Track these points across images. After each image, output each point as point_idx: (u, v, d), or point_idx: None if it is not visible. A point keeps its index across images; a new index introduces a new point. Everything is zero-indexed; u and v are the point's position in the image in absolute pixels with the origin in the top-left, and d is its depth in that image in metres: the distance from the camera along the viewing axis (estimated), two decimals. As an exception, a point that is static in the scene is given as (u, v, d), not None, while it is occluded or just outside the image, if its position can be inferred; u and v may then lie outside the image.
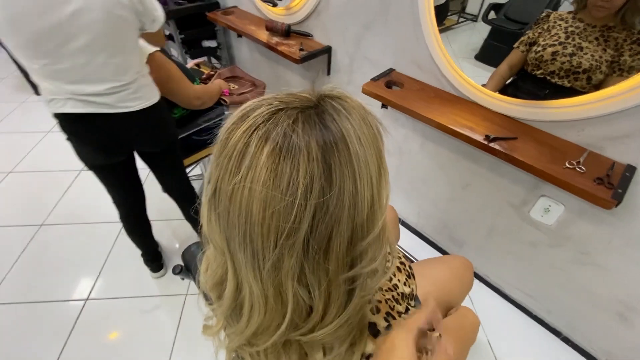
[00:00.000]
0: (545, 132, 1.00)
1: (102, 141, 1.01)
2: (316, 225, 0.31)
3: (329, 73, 1.58)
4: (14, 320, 1.34)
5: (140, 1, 0.87)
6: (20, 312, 1.36)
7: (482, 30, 1.22)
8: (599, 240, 1.01)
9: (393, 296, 0.52)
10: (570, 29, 1.01)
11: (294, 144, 0.30)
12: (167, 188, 1.34)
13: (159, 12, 0.96)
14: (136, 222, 1.33)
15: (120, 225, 1.31)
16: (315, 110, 0.33)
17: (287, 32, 1.56)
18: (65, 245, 1.62)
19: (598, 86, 0.94)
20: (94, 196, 1.63)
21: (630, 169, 0.86)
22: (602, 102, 0.86)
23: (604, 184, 0.84)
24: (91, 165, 1.09)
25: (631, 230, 0.92)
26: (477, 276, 1.45)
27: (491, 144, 0.97)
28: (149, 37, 1.05)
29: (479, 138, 0.99)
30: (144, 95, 0.99)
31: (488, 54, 1.20)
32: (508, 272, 1.34)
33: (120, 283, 1.46)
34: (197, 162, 1.55)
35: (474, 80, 1.10)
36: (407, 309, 0.52)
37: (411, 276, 0.63)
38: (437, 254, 1.57)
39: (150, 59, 1.13)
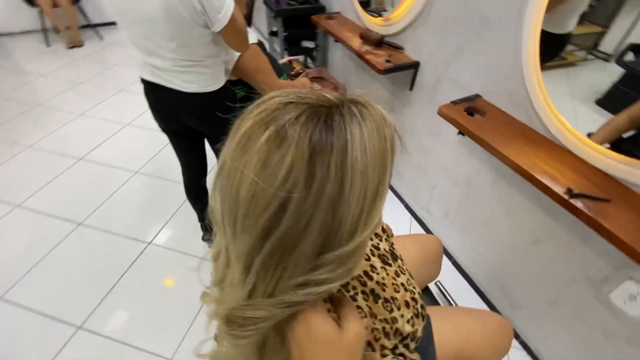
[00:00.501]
0: (652, 202, 0.80)
1: (160, 108, 1.18)
2: (288, 219, 0.30)
3: (411, 89, 1.53)
4: (94, 244, 1.62)
5: (199, 0, 0.92)
6: (102, 238, 1.64)
7: (612, 73, 1.04)
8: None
9: (384, 328, 0.48)
10: None
11: (288, 135, 0.30)
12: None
13: (222, 14, 0.97)
14: (193, 188, 1.47)
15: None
16: (327, 111, 0.32)
17: (379, 43, 1.56)
18: (148, 193, 1.90)
19: None
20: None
21: None
22: None
23: None
24: (159, 127, 1.26)
25: None
26: (525, 347, 1.25)
27: (572, 200, 0.82)
28: (226, 37, 1.06)
29: (559, 190, 0.85)
30: (199, 82, 1.09)
31: (613, 101, 1.02)
32: (565, 355, 1.12)
33: (178, 238, 1.65)
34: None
35: (584, 126, 0.95)
36: (395, 347, 0.47)
37: (420, 316, 0.58)
38: (483, 306, 1.40)
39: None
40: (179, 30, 0.98)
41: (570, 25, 1.06)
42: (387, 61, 1.44)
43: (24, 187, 1.89)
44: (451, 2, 1.21)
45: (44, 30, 3.54)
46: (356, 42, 1.64)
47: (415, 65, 1.45)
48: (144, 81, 1.14)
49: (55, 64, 3.25)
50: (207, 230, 1.59)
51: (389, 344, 0.45)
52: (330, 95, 0.35)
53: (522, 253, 1.19)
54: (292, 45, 2.21)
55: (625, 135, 0.95)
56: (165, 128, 1.27)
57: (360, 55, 1.56)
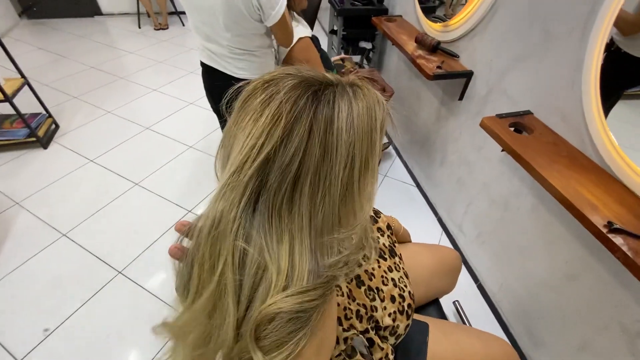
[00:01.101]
0: None
1: (212, 89, 1.29)
2: (273, 175, 0.33)
3: (460, 98, 1.47)
4: (144, 204, 1.81)
5: None
6: (151, 199, 1.83)
7: None
8: None
9: (358, 311, 0.49)
10: None
11: (277, 97, 0.33)
12: None
13: (275, 11, 1.04)
14: None
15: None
16: (320, 86, 0.35)
17: (434, 48, 1.52)
18: (197, 167, 2.07)
19: None
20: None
21: None
22: None
23: None
24: (211, 107, 1.37)
25: None
26: (542, 390, 1.14)
27: (610, 235, 0.74)
28: (275, 32, 1.15)
29: (597, 221, 0.77)
30: (248, 69, 1.17)
31: None
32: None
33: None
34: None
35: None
36: (366, 331, 0.48)
37: (405, 314, 0.58)
38: (502, 335, 1.30)
39: (298, 41, 1.31)
40: (235, 22, 1.07)
41: None
42: (438, 67, 1.40)
43: (99, 145, 2.18)
44: (513, 13, 1.15)
45: (138, 14, 4.01)
46: (410, 46, 1.62)
47: (467, 75, 1.40)
48: (202, 64, 1.26)
49: (142, 43, 3.67)
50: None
51: (359, 326, 0.47)
52: (330, 75, 0.38)
53: (555, 288, 1.09)
54: (349, 45, 2.25)
55: None
56: (215, 108, 1.39)
57: (412, 60, 1.54)
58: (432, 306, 0.98)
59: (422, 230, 1.75)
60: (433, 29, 1.64)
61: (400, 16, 1.95)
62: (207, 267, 0.33)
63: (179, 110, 2.56)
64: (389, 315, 0.54)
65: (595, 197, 0.83)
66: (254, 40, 1.16)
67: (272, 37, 1.23)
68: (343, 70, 1.76)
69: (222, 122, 1.45)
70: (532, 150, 0.98)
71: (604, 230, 0.76)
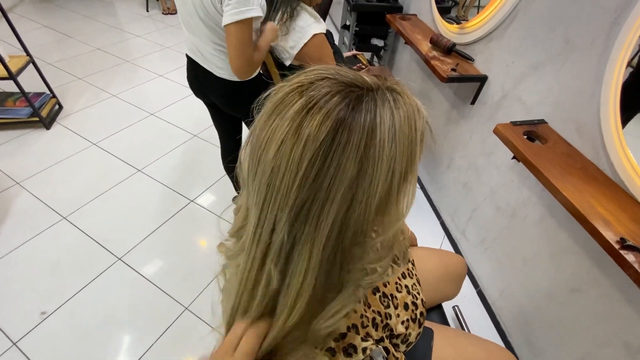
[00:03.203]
0: None
1: (194, 83, 1.27)
2: (310, 189, 0.31)
3: (473, 102, 1.46)
4: (146, 191, 1.80)
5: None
6: (154, 187, 1.82)
7: None
8: None
9: (374, 319, 0.48)
10: None
11: (317, 107, 0.31)
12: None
13: (230, 9, 0.92)
14: (226, 158, 1.55)
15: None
16: (360, 92, 0.33)
17: (449, 50, 1.50)
18: (201, 156, 2.06)
19: None
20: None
21: None
22: None
23: None
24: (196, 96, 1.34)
25: None
26: (538, 399, 1.15)
27: (623, 251, 0.74)
28: (227, 38, 0.99)
29: (610, 237, 0.77)
30: (228, 69, 1.11)
31: None
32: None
33: (218, 202, 1.77)
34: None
35: None
36: (381, 339, 0.47)
37: (417, 322, 0.57)
38: (500, 342, 1.30)
39: (312, 38, 1.28)
40: (208, 17, 1.03)
41: None
42: (453, 70, 1.39)
43: (103, 129, 2.16)
44: (533, 19, 1.12)
45: (147, -3, 3.96)
46: (425, 47, 1.59)
47: (482, 79, 1.38)
48: (186, 56, 1.23)
49: (150, 27, 3.62)
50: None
51: (375, 334, 0.46)
52: (368, 78, 0.36)
53: (558, 300, 1.09)
54: (361, 41, 2.22)
55: None
56: (201, 100, 1.37)
57: (426, 60, 1.52)
58: (435, 311, 0.98)
59: (424, 233, 1.74)
60: (448, 30, 1.62)
61: (415, 15, 1.92)
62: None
63: (184, 98, 2.53)
64: (402, 323, 0.54)
65: (609, 212, 0.82)
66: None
67: (259, 35, 1.13)
68: (355, 67, 1.73)
69: (212, 113, 1.42)
70: (545, 161, 0.97)
71: (617, 247, 0.75)
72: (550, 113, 1.09)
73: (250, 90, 1.23)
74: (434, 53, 1.53)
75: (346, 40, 2.29)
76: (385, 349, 0.46)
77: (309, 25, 1.28)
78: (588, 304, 0.98)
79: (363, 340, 0.41)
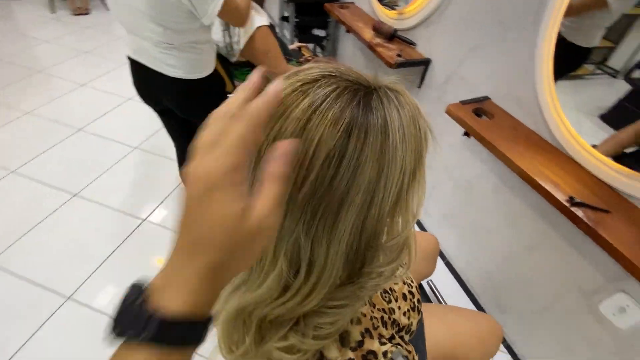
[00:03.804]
0: (651, 216, 0.81)
1: (142, 88, 1.15)
2: (323, 193, 0.30)
3: (420, 86, 1.52)
4: (89, 216, 1.60)
5: None
6: (97, 211, 1.62)
7: (619, 89, 1.03)
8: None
9: (382, 317, 0.48)
10: None
11: (326, 107, 0.30)
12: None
13: (211, 8, 0.91)
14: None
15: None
16: (366, 90, 0.32)
17: (391, 36, 1.54)
18: (146, 170, 1.88)
19: None
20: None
21: None
22: None
23: None
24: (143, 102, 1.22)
25: None
26: (510, 351, 1.26)
27: (573, 209, 0.82)
28: (224, 18, 1.04)
29: (561, 197, 0.85)
30: (184, 67, 1.03)
31: (617, 117, 1.02)
32: (548, 357, 1.14)
33: (175, 217, 1.64)
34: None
35: (586, 139, 0.94)
36: (392, 337, 0.47)
37: (416, 310, 0.58)
38: (472, 307, 1.41)
39: (256, 31, 1.22)
40: (161, 13, 0.93)
41: (596, 39, 1.05)
42: (399, 55, 1.42)
43: (20, 153, 1.87)
44: (468, 3, 1.19)
45: (50, -4, 3.47)
46: (368, 34, 1.61)
47: (426, 62, 1.44)
48: (129, 58, 1.09)
49: (59, 30, 3.19)
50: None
51: (386, 333, 0.45)
52: (367, 76, 0.35)
53: (518, 259, 1.20)
54: (302, 33, 2.18)
55: (627, 151, 0.95)
56: (151, 107, 1.25)
57: (371, 47, 1.54)
58: (417, 291, 1.01)
59: (389, 215, 1.80)
60: (388, 17, 1.65)
61: (353, 3, 1.93)
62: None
63: (116, 107, 2.29)
64: (404, 314, 0.54)
65: (556, 175, 0.91)
66: (185, 36, 1.00)
67: (212, 29, 1.09)
68: (301, 59, 1.70)
69: (164, 120, 1.30)
70: (495, 134, 1.04)
71: (567, 205, 0.83)
72: (493, 90, 1.17)
73: (207, 88, 1.14)
74: (378, 40, 1.56)
75: (286, 33, 2.24)
76: (398, 344, 0.45)
77: (251, 18, 1.22)
78: (544, 259, 1.09)
79: (381, 344, 0.40)
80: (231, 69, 1.31)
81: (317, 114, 0.29)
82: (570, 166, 0.94)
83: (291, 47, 1.76)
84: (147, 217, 1.62)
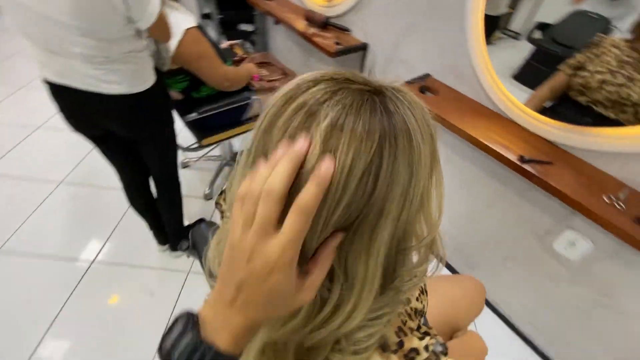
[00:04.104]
0: (584, 161, 0.93)
1: (73, 114, 0.98)
2: (360, 210, 0.29)
3: (361, 71, 1.54)
4: (22, 272, 1.37)
5: None
6: (31, 264, 1.39)
7: (523, 50, 1.15)
8: (627, 285, 0.94)
9: (406, 310, 0.48)
10: (623, 57, 0.95)
11: (352, 122, 0.28)
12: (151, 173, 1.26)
13: (150, 11, 0.83)
14: (136, 195, 1.30)
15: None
16: (380, 95, 0.31)
17: (324, 24, 1.53)
18: (80, 205, 1.65)
19: None
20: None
21: (676, 214, 0.79)
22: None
23: (644, 226, 0.78)
24: (76, 131, 1.04)
25: (665, 280, 0.85)
26: (485, 302, 1.39)
27: (524, 166, 0.91)
28: (154, 33, 0.93)
29: (513, 158, 0.94)
30: (124, 82, 0.90)
31: (527, 75, 1.14)
32: (520, 303, 1.28)
33: (127, 251, 1.48)
34: (217, 143, 1.55)
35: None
36: (418, 327, 0.48)
37: (424, 292, 0.60)
38: (446, 272, 1.52)
39: (185, 34, 1.12)
40: (94, 25, 0.80)
41: (503, 7, 1.16)
42: (337, 43, 1.42)
43: None
44: (396, -17, 1.23)
45: None
46: (300, 24, 1.58)
47: (363, 47, 1.46)
48: (48, 83, 0.91)
49: None
50: (166, 240, 1.44)
51: (413, 325, 0.46)
52: (368, 77, 0.33)
53: (478, 219, 1.31)
54: (228, 29, 2.07)
55: (546, 105, 1.08)
56: (86, 135, 1.08)
57: (307, 38, 1.51)
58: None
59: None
60: (317, 5, 1.64)
61: (277, -7, 1.88)
62: None
63: (24, 140, 1.95)
64: (417, 299, 0.55)
65: (503, 138, 1.00)
66: (122, 45, 0.87)
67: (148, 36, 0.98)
68: (236, 58, 1.61)
69: (103, 147, 1.13)
70: (443, 109, 1.10)
71: (519, 163, 0.92)
72: (433, 67, 1.23)
73: (153, 100, 1.02)
74: (312, 30, 1.54)
75: (211, 32, 2.10)
76: (426, 332, 0.46)
77: (177, 21, 1.11)
78: (500, 214, 1.21)
79: (419, 339, 0.40)
80: (164, 78, 1.19)
81: (345, 131, 0.27)
82: (512, 128, 1.04)
83: (222, 46, 1.66)
84: (95, 258, 1.43)
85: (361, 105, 0.29)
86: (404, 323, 0.45)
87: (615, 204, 0.82)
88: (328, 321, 0.34)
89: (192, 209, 1.66)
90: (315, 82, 0.32)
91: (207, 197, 1.74)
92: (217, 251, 0.45)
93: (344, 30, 1.52)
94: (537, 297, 1.20)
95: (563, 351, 1.20)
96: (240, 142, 2.02)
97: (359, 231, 0.30)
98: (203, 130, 1.47)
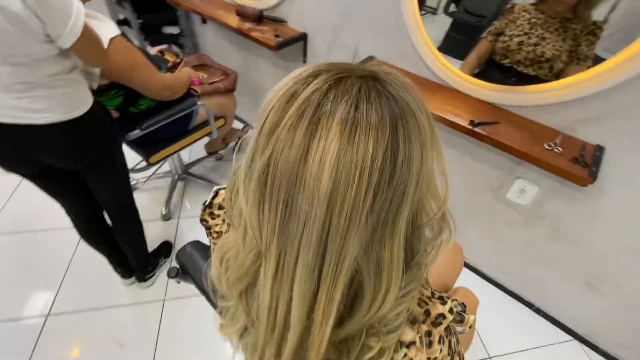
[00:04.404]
0: (522, 116, 1.04)
1: (2, 153, 0.86)
2: (384, 200, 0.29)
3: (304, 61, 1.53)
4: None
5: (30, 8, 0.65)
6: (-36, 336, 1.18)
7: (443, 23, 1.24)
8: (570, 217, 1.09)
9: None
10: (533, 20, 1.06)
11: (366, 115, 0.28)
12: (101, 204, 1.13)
13: (70, 26, 0.70)
14: (90, 228, 1.17)
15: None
16: (380, 81, 0.31)
17: (259, 18, 1.48)
18: (17, 256, 1.43)
19: (559, 74, 1.01)
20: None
21: (600, 149, 0.93)
22: (570, 89, 0.92)
23: (579, 164, 0.90)
24: (8, 171, 0.90)
25: (599, 206, 1.00)
26: (456, 258, 1.51)
27: (476, 129, 1.00)
28: (81, 52, 0.80)
29: (464, 123, 1.02)
30: (51, 108, 0.79)
31: (450, 46, 1.23)
32: (486, 252, 1.41)
33: (87, 294, 1.32)
34: (165, 158, 1.44)
35: None
36: (433, 294, 0.51)
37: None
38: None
39: (111, 45, 1.00)
40: (6, 48, 0.69)
41: None
42: (277, 36, 1.39)
43: None
44: (326, -31, 1.23)
45: None
46: (233, 20, 1.52)
47: (303, 37, 1.45)
48: None
49: None
50: (130, 272, 1.32)
51: (428, 293, 0.48)
52: (358, 64, 0.34)
53: (436, 184, 1.40)
54: (151, 34, 1.90)
55: (476, 72, 1.18)
56: (19, 173, 0.93)
57: (243, 34, 1.46)
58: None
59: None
60: (246, -1, 1.58)
61: (199, -10, 1.77)
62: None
63: None
64: None
65: (451, 106, 1.08)
66: (46, 67, 0.76)
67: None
68: (169, 64, 1.49)
69: (40, 183, 0.99)
70: (393, 87, 1.15)
71: (471, 127, 1.00)
72: (374, 48, 1.27)
73: (94, 123, 0.91)
74: (247, 25, 1.48)
75: (133, 39, 1.91)
76: (441, 297, 0.49)
77: (98, 30, 0.99)
78: (457, 177, 1.31)
79: (442, 304, 0.43)
80: (96, 96, 1.07)
81: (361, 122, 0.28)
82: (457, 96, 1.12)
83: (152, 52, 1.53)
84: (49, 312, 1.26)
85: (369, 93, 0.29)
86: (421, 293, 0.47)
87: (555, 149, 0.93)
88: (364, 313, 0.34)
89: (152, 233, 1.53)
90: (314, 75, 0.31)
91: (166, 218, 1.62)
92: (223, 268, 0.43)
93: (280, 21, 1.49)
94: (500, 244, 1.34)
95: (529, 285, 1.37)
96: (189, 153, 1.91)
97: (385, 220, 0.31)
98: (149, 147, 1.36)
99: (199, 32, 1.99)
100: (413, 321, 0.41)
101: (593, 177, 0.87)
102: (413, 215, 0.34)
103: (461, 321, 0.43)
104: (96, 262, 1.28)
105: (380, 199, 0.29)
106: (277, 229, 0.31)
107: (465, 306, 0.45)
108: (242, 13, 1.50)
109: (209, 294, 0.49)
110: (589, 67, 0.92)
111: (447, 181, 0.37)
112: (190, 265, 0.62)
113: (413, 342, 0.39)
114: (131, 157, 1.40)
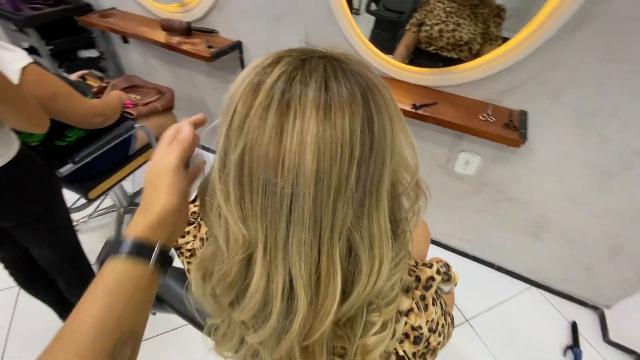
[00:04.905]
0: (456, 94, 1.14)
1: None
2: (367, 170, 0.31)
3: (243, 67, 1.51)
4: None
5: None
6: None
7: (367, 22, 1.32)
8: (510, 178, 1.21)
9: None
10: (447, 8, 1.18)
11: (337, 92, 0.29)
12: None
13: None
14: (32, 277, 1.04)
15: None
16: (337, 61, 0.32)
17: (187, 31, 1.43)
18: None
19: (477, 55, 1.13)
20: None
21: (524, 114, 1.05)
22: (488, 65, 1.03)
23: (510, 128, 1.01)
24: None
25: (531, 163, 1.14)
26: (420, 236, 1.60)
27: (419, 111, 1.07)
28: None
29: (408, 107, 1.08)
30: None
31: (377, 42, 1.31)
32: (444, 224, 1.51)
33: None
34: (106, 191, 1.31)
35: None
36: (416, 263, 0.53)
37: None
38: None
39: (24, 75, 0.89)
40: None
41: None
42: (210, 47, 1.35)
43: None
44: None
45: None
46: (160, 36, 1.44)
47: (238, 45, 1.43)
48: None
49: None
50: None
51: (412, 262, 0.50)
52: (316, 47, 0.35)
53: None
54: (66, 60, 1.73)
55: (407, 61, 1.28)
56: None
57: (173, 48, 1.39)
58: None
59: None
60: (169, 12, 1.51)
61: (114, 8, 1.65)
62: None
63: None
64: None
65: (394, 94, 1.12)
66: None
67: None
68: (94, 89, 1.37)
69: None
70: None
71: (414, 110, 1.07)
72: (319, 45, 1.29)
73: (24, 170, 0.82)
74: (176, 39, 1.42)
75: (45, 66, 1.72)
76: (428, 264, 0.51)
77: (5, 61, 0.88)
78: (408, 159, 1.39)
79: (429, 268, 0.45)
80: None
81: (333, 99, 0.29)
82: (397, 84, 1.19)
83: (72, 78, 1.38)
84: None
85: (335, 71, 0.30)
86: (408, 264, 0.49)
87: (488, 119, 1.04)
88: (363, 288, 0.34)
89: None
90: (276, 60, 0.32)
91: (117, 255, 1.47)
92: (207, 284, 0.40)
93: (211, 32, 1.45)
94: (455, 215, 1.44)
95: (487, 247, 1.49)
96: (132, 182, 1.76)
97: (369, 190, 0.32)
98: (85, 181, 1.23)
99: (121, 52, 1.86)
100: (407, 290, 0.43)
101: (523, 138, 0.98)
102: (391, 185, 0.36)
103: (449, 279, 0.46)
104: (43, 316, 1.11)
105: (364, 169, 0.30)
106: (260, 215, 0.31)
107: (449, 266, 0.47)
108: (169, 27, 1.43)
109: (194, 316, 0.46)
110: (500, 45, 1.04)
111: (415, 151, 0.39)
112: (166, 293, 0.58)
113: (411, 309, 0.41)
114: (67, 196, 1.26)
